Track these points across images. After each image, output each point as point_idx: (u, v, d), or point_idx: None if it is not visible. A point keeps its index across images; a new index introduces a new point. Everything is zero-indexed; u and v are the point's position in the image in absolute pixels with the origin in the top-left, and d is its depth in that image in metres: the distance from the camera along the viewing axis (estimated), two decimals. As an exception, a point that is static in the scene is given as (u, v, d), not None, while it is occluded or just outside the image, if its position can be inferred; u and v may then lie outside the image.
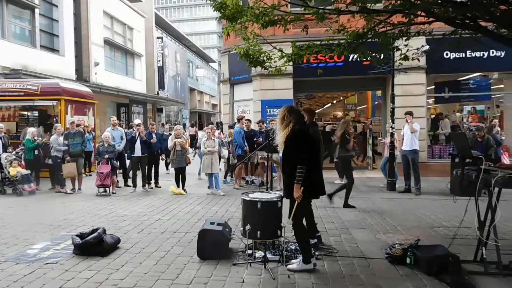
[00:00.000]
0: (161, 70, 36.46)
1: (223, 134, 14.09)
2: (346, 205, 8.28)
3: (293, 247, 5.30)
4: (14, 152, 10.83)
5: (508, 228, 6.48)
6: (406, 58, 7.10)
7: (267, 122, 11.60)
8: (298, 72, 12.23)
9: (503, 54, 12.33)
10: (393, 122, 10.54)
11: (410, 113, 10.01)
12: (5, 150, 10.82)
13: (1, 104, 13.69)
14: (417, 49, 8.50)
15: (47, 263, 5.04)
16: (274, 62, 7.34)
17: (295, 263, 4.75)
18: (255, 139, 10.95)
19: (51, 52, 20.48)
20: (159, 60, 36.10)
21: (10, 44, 17.29)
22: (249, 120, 11.79)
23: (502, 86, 14.06)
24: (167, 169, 13.85)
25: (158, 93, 34.74)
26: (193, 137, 20.17)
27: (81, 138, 10.85)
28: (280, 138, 4.74)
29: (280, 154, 4.91)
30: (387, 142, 10.69)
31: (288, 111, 4.76)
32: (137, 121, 11.66)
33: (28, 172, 10.45)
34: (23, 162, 10.85)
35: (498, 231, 4.61)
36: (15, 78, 15.42)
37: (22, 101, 13.35)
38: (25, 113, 14.69)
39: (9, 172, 10.19)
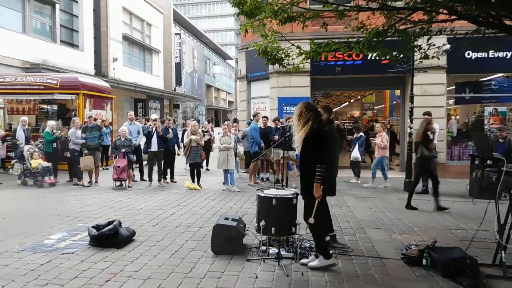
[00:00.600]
0: (178, 66, 36.69)
1: (239, 131, 14.12)
2: (409, 206, 8.09)
3: (307, 245, 5.28)
4: (34, 145, 11.04)
5: (528, 232, 6.32)
6: (426, 57, 6.96)
7: (284, 119, 11.55)
8: (316, 69, 12.15)
9: (527, 54, 12.04)
10: (411, 122, 10.40)
11: (428, 114, 9.85)
12: (27, 142, 11.03)
13: (21, 97, 13.94)
14: (438, 47, 8.34)
15: (63, 253, 5.12)
16: (292, 59, 7.30)
17: (316, 260, 4.71)
18: (271, 136, 10.92)
19: (71, 47, 20.78)
20: (176, 57, 36.32)
21: (31, 38, 17.60)
22: (266, 117, 11.78)
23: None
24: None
25: (175, 89, 34.97)
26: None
27: (99, 132, 10.97)
28: (298, 136, 4.67)
29: (298, 153, 4.87)
30: (378, 142, 10.69)
31: (306, 107, 4.69)
32: (154, 116, 11.74)
33: (49, 164, 10.58)
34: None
35: (518, 234, 4.50)
36: (35, 72, 15.71)
37: (41, 94, 13.57)
38: (45, 106, 14.93)
39: (30, 164, 10.35)
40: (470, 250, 4.88)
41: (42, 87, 13.38)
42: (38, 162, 10.39)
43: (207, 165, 14.02)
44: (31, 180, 10.48)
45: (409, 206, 8.09)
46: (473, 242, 5.19)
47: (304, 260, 4.79)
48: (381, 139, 10.64)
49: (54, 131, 11.03)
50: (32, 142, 11.03)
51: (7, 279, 4.26)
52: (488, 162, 5.17)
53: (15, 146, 10.98)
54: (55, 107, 14.80)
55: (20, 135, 11.30)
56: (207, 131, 14.11)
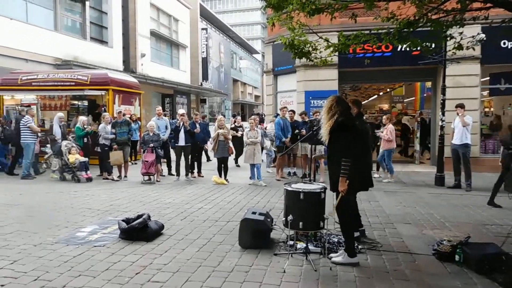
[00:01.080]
0: (205, 61, 36.91)
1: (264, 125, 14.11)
2: (492, 202, 7.71)
3: (336, 240, 5.21)
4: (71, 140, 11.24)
5: None
6: (460, 47, 6.72)
7: (311, 113, 11.44)
8: (343, 62, 11.95)
9: None
10: (443, 114, 10.12)
11: (461, 106, 9.56)
12: (64, 138, 11.31)
13: (54, 94, 14.31)
14: (472, 37, 8.05)
15: (95, 246, 5.23)
16: (320, 52, 7.18)
17: (340, 256, 4.66)
18: (297, 130, 10.84)
19: (100, 44, 21.21)
20: (203, 51, 36.54)
21: (62, 36, 18.07)
22: (293, 111, 11.69)
23: None
24: (208, 159, 14.08)
25: (201, 84, 35.23)
26: (234, 128, 20.37)
27: (128, 127, 11.14)
28: (324, 129, 4.63)
29: (325, 146, 4.82)
30: (382, 135, 10.49)
31: (336, 101, 4.62)
32: (181, 111, 11.84)
33: (86, 159, 10.76)
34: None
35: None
36: (66, 68, 16.11)
37: (73, 90, 13.89)
38: (76, 102, 15.29)
39: (68, 159, 10.52)
40: (505, 246, 4.72)
41: (73, 83, 13.69)
42: (75, 157, 10.56)
43: (236, 161, 13.85)
44: (69, 175, 10.67)
45: (491, 203, 7.70)
46: (508, 238, 5.01)
47: (333, 255, 4.74)
48: (386, 131, 10.41)
49: (85, 126, 11.28)
50: (69, 138, 11.27)
51: (42, 270, 4.39)
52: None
53: (53, 142, 11.25)
54: (86, 103, 15.14)
55: (57, 131, 11.58)
56: (240, 126, 14.13)
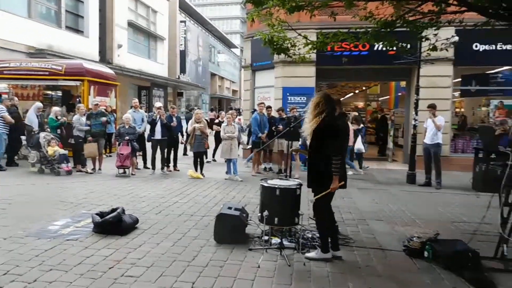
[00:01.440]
0: (183, 54, 36.53)
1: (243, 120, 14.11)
2: None
3: (310, 235, 5.29)
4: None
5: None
6: (434, 48, 6.90)
7: (288, 109, 11.51)
8: (321, 60, 12.06)
9: (535, 47, 11.91)
10: (416, 114, 10.36)
11: (433, 106, 9.78)
12: (42, 129, 10.98)
13: (26, 83, 13.91)
14: (446, 39, 8.26)
15: (67, 240, 5.15)
16: (298, 49, 7.24)
17: (313, 252, 4.74)
18: (274, 127, 10.90)
19: (76, 33, 20.73)
20: (181, 44, 36.14)
21: (36, 23, 17.56)
22: (270, 107, 11.74)
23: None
24: (185, 153, 13.97)
25: (179, 77, 34.89)
26: (212, 121, 20.30)
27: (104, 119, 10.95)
28: (309, 126, 4.61)
29: (301, 143, 4.87)
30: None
31: (325, 99, 4.60)
32: (158, 104, 11.72)
33: (66, 152, 10.45)
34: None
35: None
36: (40, 57, 15.67)
37: (46, 80, 13.55)
38: (49, 92, 14.92)
39: (47, 152, 10.20)
40: (472, 243, 4.88)
41: (47, 73, 13.35)
42: (54, 150, 10.23)
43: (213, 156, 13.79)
44: (47, 168, 10.31)
45: None
46: (475, 235, 5.18)
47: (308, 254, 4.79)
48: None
49: (59, 117, 11.02)
50: (47, 129, 10.94)
51: (12, 264, 4.30)
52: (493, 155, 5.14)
53: (30, 133, 10.90)
54: (60, 93, 14.79)
55: (34, 122, 11.22)
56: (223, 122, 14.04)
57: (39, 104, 11.87)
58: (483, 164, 8.94)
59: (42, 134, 10.43)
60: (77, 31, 20.97)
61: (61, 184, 8.98)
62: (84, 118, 10.65)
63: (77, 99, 13.16)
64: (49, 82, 13.64)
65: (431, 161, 9.77)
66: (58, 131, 11.00)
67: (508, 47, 12.08)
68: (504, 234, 4.53)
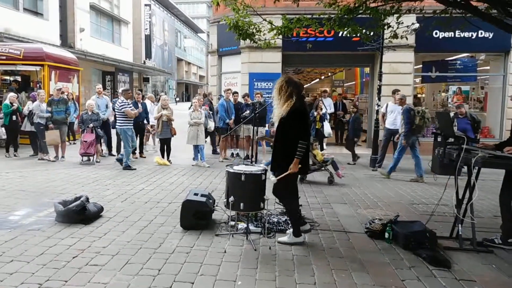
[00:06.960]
0: (148, 38, 35.80)
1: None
2: None
3: (275, 220, 5.39)
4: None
5: (484, 206, 6.67)
6: (396, 36, 7.07)
7: (254, 95, 11.53)
8: (287, 46, 12.11)
9: (491, 35, 12.35)
10: (379, 99, 10.59)
11: (397, 93, 9.99)
12: None
13: (-18, 68, 13.34)
14: (407, 26, 8.46)
15: (29, 230, 5.03)
16: (264, 34, 7.25)
17: (286, 236, 4.82)
18: (241, 112, 10.91)
19: (35, 16, 19.89)
20: (146, 29, 35.39)
21: (-9, 5, 16.71)
22: (236, 93, 11.72)
23: (488, 67, 14.15)
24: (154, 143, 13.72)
25: (144, 62, 34.22)
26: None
27: (65, 106, 10.68)
28: (278, 112, 4.59)
29: (275, 128, 4.86)
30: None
31: (286, 82, 4.59)
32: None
33: None
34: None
35: (474, 209, 4.72)
36: (-4, 41, 14.99)
37: (3, 65, 13.02)
38: (7, 78, 14.34)
39: None
40: (430, 223, 5.10)
41: (4, 57, 12.81)
42: None
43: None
44: None
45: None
46: (433, 216, 5.42)
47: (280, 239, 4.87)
48: None
49: (14, 103, 10.60)
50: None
51: (-30, 256, 4.18)
52: (450, 139, 5.36)
53: None
54: (19, 78, 14.23)
55: None
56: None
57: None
58: (440, 148, 9.26)
59: None
60: (36, 13, 20.12)
61: (22, 172, 8.71)
62: (44, 105, 10.32)
63: (37, 85, 12.71)
64: (6, 67, 13.12)
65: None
66: (14, 117, 10.56)
67: (466, 34, 12.49)
68: (459, 215, 4.76)
